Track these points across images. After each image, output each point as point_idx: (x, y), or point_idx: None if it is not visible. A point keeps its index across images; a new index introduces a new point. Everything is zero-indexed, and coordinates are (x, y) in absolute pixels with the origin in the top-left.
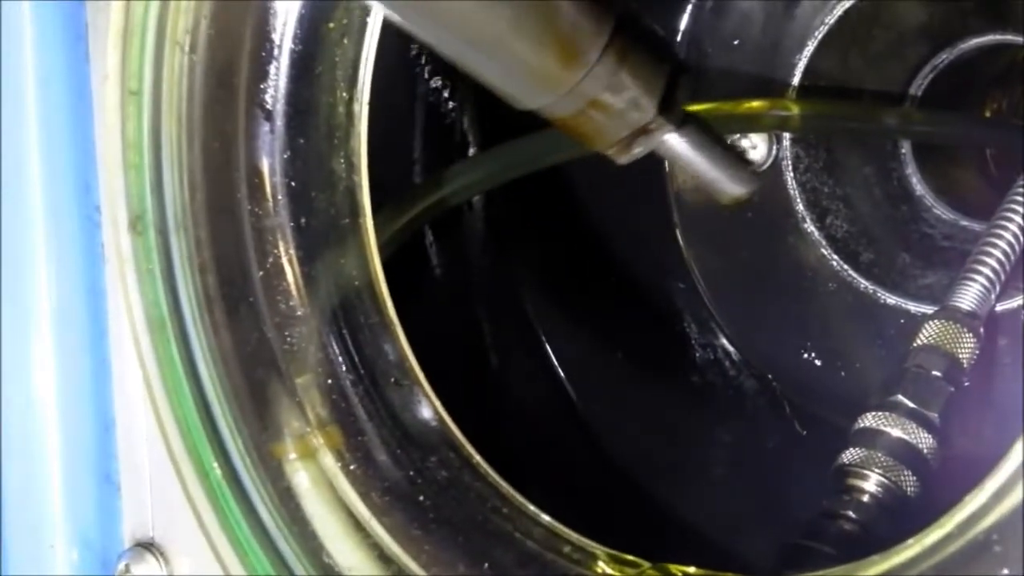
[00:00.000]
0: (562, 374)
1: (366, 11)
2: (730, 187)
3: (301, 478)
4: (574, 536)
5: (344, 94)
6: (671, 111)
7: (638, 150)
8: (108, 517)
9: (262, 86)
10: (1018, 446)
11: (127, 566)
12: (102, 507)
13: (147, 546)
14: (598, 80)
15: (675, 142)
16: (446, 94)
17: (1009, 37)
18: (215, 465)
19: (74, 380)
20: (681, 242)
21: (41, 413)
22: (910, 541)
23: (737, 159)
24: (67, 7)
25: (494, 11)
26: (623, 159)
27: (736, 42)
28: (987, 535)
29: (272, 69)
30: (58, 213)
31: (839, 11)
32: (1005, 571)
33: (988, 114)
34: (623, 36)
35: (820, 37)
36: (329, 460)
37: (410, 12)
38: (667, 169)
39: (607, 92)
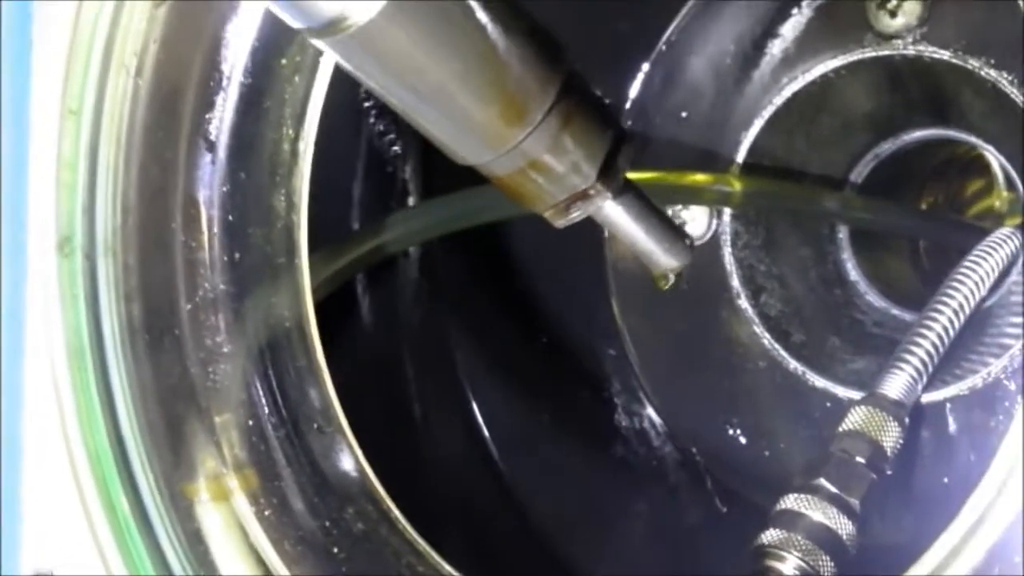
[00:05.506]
0: (486, 432)
1: (320, 50)
2: (663, 259)
3: (212, 520)
4: None
5: (290, 131)
6: (611, 178)
7: (575, 214)
8: (9, 546)
9: (207, 116)
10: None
11: None
12: (4, 535)
13: None
14: (540, 141)
15: (612, 209)
16: (390, 140)
17: (950, 133)
18: (123, 500)
19: None
20: (615, 309)
21: None
22: None
23: (673, 232)
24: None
25: (443, 63)
26: (560, 222)
27: (684, 115)
28: None
29: (219, 100)
30: None
31: (787, 93)
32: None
33: (924, 206)
34: (569, 99)
35: (767, 117)
36: (243, 504)
37: (358, 58)
38: (606, 236)
39: (548, 154)
